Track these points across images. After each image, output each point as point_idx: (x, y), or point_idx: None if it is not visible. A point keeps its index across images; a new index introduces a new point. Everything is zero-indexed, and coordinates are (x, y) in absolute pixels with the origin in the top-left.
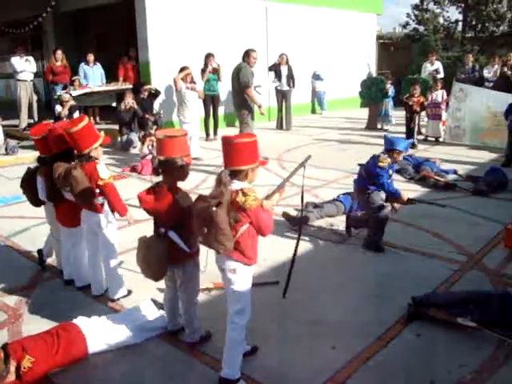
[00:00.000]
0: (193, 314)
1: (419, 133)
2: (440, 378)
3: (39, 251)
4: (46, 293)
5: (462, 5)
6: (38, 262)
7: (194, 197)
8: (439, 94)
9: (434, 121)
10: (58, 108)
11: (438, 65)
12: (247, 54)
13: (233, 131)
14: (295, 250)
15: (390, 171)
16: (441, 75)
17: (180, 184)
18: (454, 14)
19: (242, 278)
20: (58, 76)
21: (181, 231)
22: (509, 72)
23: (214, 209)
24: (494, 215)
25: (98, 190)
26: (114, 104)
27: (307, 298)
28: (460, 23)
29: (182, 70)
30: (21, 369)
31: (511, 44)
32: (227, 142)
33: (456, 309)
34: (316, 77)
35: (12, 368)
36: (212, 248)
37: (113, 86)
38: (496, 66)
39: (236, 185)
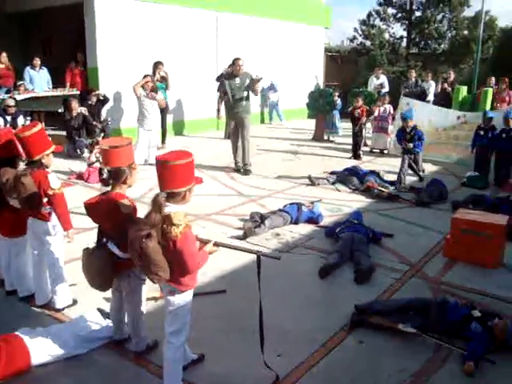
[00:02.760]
0: (139, 324)
1: (365, 144)
2: (381, 382)
3: None
4: None
5: (407, 22)
6: None
7: (140, 206)
8: (386, 108)
9: (379, 133)
10: (11, 101)
11: (384, 79)
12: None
13: (181, 140)
14: (259, 289)
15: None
16: (386, 89)
17: (127, 192)
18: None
19: (180, 300)
20: (1, 79)
21: (122, 241)
22: (449, 88)
23: (145, 240)
24: (434, 225)
25: (45, 199)
26: (60, 110)
27: (254, 307)
28: (405, 39)
29: (144, 77)
30: None
31: (452, 61)
32: (163, 164)
33: (397, 316)
34: (271, 87)
35: None
36: (147, 277)
37: (59, 92)
38: (431, 82)
39: (171, 208)
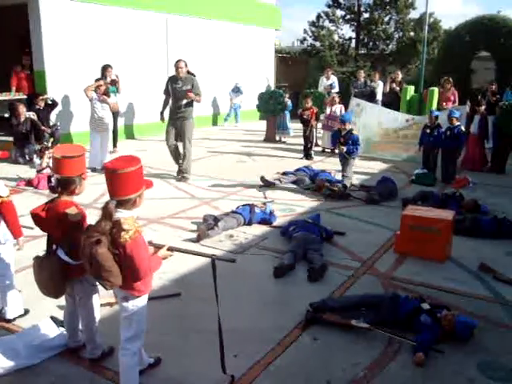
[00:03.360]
0: (93, 330)
1: (316, 144)
2: (336, 377)
3: None
4: None
5: (355, 23)
6: None
7: (92, 211)
8: (337, 108)
9: (330, 133)
10: None
11: (334, 79)
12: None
13: (133, 143)
14: (216, 292)
15: None
16: (336, 89)
17: (79, 198)
18: (347, 31)
19: (134, 306)
20: None
21: (71, 247)
22: (397, 88)
23: (95, 247)
24: (384, 222)
25: None
26: (6, 115)
27: (209, 308)
28: (353, 41)
29: (96, 81)
30: None
31: (399, 61)
32: (112, 173)
33: (350, 312)
34: (236, 89)
35: None
36: (100, 284)
37: (5, 96)
38: (379, 82)
39: (121, 214)
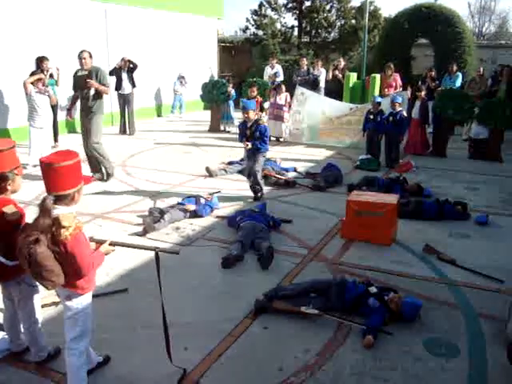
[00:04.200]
0: (36, 332)
1: None
2: (288, 364)
3: None
4: None
5: (297, 12)
6: None
7: (33, 209)
8: (283, 97)
9: (276, 121)
10: None
11: (278, 68)
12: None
13: (74, 137)
14: (159, 285)
15: None
16: (280, 78)
17: (18, 195)
18: (290, 20)
19: (78, 304)
20: None
21: (8, 248)
22: (340, 75)
23: (33, 246)
24: (331, 209)
25: None
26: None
27: (157, 303)
28: (296, 29)
29: (33, 74)
30: None
31: (342, 49)
32: (48, 167)
33: (300, 299)
34: (180, 79)
35: None
36: (41, 284)
37: None
38: (321, 70)
39: (60, 210)
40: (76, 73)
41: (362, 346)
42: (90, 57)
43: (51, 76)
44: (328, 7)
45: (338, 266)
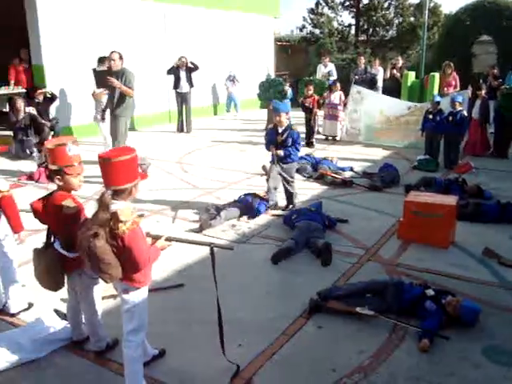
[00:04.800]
0: (96, 323)
1: (318, 132)
2: (341, 365)
3: None
4: None
5: (354, 10)
6: None
7: (91, 204)
8: (337, 96)
9: (331, 121)
10: None
11: (331, 67)
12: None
13: (133, 135)
14: (215, 281)
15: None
16: (334, 77)
17: (81, 190)
18: (347, 18)
19: (135, 298)
20: None
21: (68, 240)
22: (398, 74)
23: (92, 240)
24: (387, 209)
25: None
26: (5, 109)
27: (212, 299)
28: (353, 27)
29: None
30: None
31: (400, 47)
32: (105, 161)
33: (355, 299)
34: (230, 78)
35: None
36: (99, 277)
37: (4, 90)
38: (379, 68)
39: (118, 205)
40: (94, 69)
41: (418, 349)
42: (120, 58)
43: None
44: (386, 5)
45: (394, 268)
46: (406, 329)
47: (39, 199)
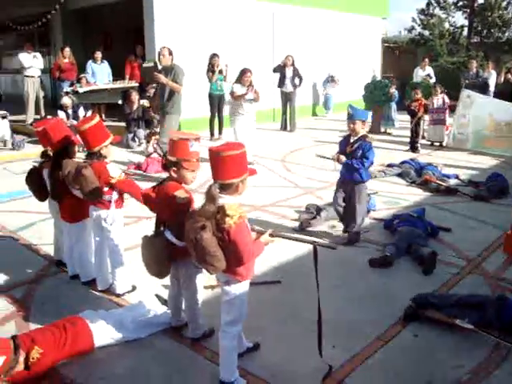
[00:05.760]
0: (196, 311)
1: (423, 137)
2: (437, 378)
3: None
4: (52, 287)
5: (468, 10)
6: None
7: (196, 196)
8: (440, 99)
9: (436, 126)
10: (67, 100)
11: (430, 70)
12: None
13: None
14: (317, 280)
15: None
16: (433, 80)
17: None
18: (459, 19)
19: (236, 290)
20: (65, 73)
21: (178, 229)
22: None
23: (200, 232)
24: (493, 220)
25: (106, 188)
26: (119, 102)
27: (309, 297)
28: (466, 28)
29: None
30: (29, 359)
31: None
32: (215, 155)
33: (453, 311)
34: (330, 79)
35: (21, 358)
36: (204, 269)
37: (119, 84)
38: (492, 71)
39: (225, 200)
40: (141, 64)
41: None
42: (170, 54)
43: (220, 72)
44: (504, 4)
45: (498, 282)
46: (510, 348)
47: (151, 188)
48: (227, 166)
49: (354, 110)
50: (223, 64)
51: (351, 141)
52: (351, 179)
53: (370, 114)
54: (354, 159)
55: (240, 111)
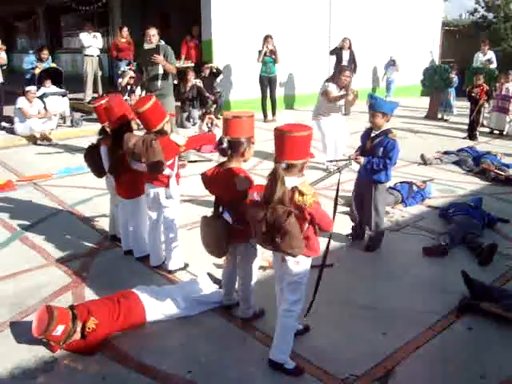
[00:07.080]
0: (249, 291)
1: (482, 125)
2: (492, 372)
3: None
4: (107, 260)
5: None
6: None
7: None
8: (510, 87)
9: (499, 113)
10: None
11: (491, 54)
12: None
13: (291, 113)
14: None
15: None
16: (494, 65)
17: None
18: None
19: (304, 269)
20: (122, 52)
21: (236, 211)
22: None
23: (286, 218)
24: None
25: (168, 162)
26: (175, 81)
27: (362, 283)
28: None
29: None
30: (86, 329)
31: None
32: (284, 134)
33: (508, 304)
34: (391, 62)
35: (78, 328)
36: (285, 254)
37: (175, 64)
38: None
39: (290, 181)
40: (143, 47)
41: None
42: (159, 34)
43: (272, 53)
44: None
45: None
46: None
47: (210, 169)
48: (295, 147)
49: (375, 99)
50: (272, 46)
51: (372, 135)
52: (369, 179)
53: (396, 106)
54: (374, 158)
55: (326, 111)
